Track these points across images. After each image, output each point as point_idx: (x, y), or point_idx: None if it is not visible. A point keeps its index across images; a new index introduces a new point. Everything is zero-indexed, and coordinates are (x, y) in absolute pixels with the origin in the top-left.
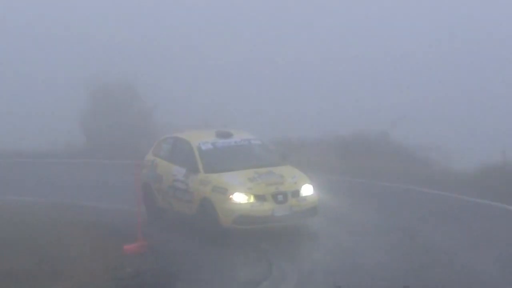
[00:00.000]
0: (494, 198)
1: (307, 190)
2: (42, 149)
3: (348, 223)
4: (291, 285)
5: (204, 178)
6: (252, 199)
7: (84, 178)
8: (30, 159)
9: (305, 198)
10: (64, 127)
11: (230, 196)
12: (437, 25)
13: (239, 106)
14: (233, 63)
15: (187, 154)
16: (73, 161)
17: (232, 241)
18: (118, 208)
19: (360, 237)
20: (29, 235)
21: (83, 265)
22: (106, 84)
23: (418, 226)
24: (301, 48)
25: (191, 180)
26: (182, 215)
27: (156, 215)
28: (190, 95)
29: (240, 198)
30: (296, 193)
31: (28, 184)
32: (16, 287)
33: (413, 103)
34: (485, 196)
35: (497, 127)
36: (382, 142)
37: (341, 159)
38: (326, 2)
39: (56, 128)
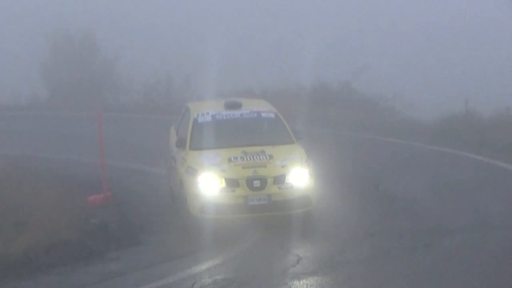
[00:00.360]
0: (457, 146)
1: (297, 176)
2: (5, 102)
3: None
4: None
5: (184, 155)
6: (223, 184)
7: (47, 130)
8: None
9: (291, 186)
10: (27, 80)
11: (198, 179)
12: None
13: (202, 57)
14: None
15: (185, 126)
16: (36, 114)
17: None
18: (82, 160)
19: (323, 185)
20: None
21: (48, 216)
22: (66, 35)
23: (382, 175)
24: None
25: (178, 158)
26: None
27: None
28: (152, 45)
29: (209, 181)
30: (280, 179)
31: None
32: None
33: (374, 53)
34: (448, 145)
35: (460, 76)
36: (345, 92)
37: (304, 109)
38: None
39: (19, 81)
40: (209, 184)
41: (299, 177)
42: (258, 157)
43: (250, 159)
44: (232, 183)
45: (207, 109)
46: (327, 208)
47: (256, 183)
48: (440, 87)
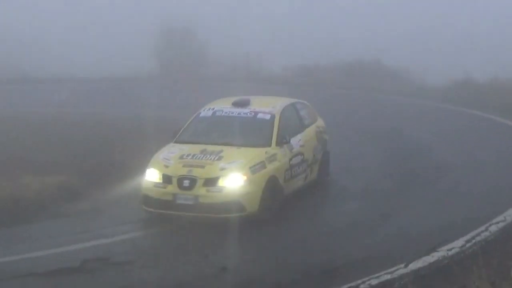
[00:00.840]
0: (461, 105)
1: (231, 180)
2: (124, 75)
3: (349, 124)
4: None
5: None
6: (160, 179)
7: (153, 95)
8: (119, 82)
9: (221, 189)
10: (144, 59)
11: (146, 172)
12: None
13: (271, 37)
14: None
15: None
16: (151, 84)
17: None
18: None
19: (357, 133)
20: (124, 137)
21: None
22: (171, 25)
23: (404, 126)
24: None
25: None
26: None
27: None
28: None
29: (151, 175)
30: (212, 181)
31: (119, 101)
32: (116, 172)
33: (398, 33)
34: (454, 103)
35: (461, 50)
36: (376, 65)
37: (344, 79)
38: None
39: (136, 59)
40: (150, 178)
41: (233, 181)
42: (207, 157)
43: (199, 158)
44: (167, 179)
45: (216, 105)
46: (363, 152)
47: (186, 183)
48: (444, 59)
